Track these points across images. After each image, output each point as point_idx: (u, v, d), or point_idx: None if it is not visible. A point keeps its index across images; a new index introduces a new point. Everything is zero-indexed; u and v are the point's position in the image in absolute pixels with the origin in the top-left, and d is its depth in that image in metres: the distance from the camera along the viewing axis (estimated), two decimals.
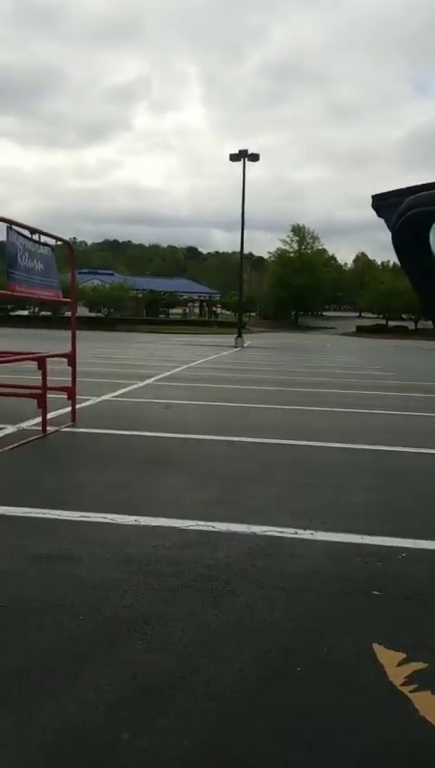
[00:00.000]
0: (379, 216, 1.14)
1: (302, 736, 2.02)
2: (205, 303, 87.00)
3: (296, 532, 4.00)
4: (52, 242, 7.07)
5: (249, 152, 35.45)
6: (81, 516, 4.18)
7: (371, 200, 1.15)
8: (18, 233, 6.25)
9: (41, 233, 6.78)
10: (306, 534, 3.98)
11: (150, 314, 70.86)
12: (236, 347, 32.80)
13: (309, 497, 4.88)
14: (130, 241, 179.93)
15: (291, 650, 2.52)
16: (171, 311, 78.38)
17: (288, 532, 4.00)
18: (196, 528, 4.02)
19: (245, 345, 34.22)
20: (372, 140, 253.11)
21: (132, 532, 3.95)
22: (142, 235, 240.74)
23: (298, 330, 72.62)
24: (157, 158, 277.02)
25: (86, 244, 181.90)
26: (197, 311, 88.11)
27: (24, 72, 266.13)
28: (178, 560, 3.48)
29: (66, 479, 5.25)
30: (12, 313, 58.77)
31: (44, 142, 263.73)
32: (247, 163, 35.53)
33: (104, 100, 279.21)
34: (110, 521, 4.12)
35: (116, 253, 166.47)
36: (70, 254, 7.74)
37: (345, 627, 2.75)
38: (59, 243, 7.29)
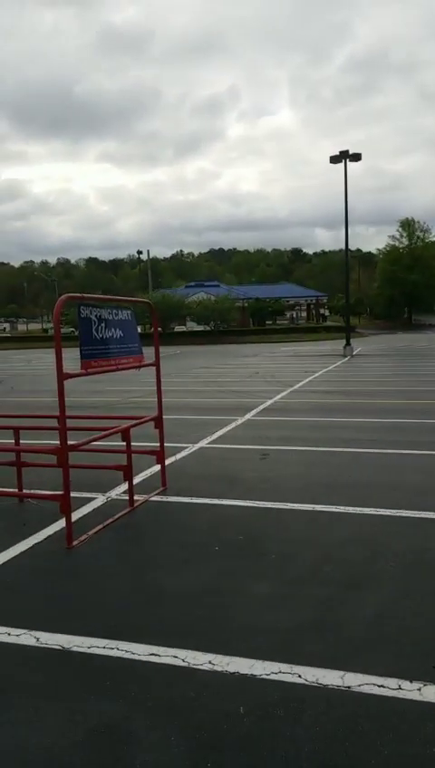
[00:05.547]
0: None
1: None
2: (312, 307, 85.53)
3: (400, 686, 3.28)
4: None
5: (350, 152, 34.13)
6: (149, 654, 3.68)
7: None
8: (91, 305, 5.95)
9: (117, 300, 6.46)
10: (413, 692, 3.24)
11: (257, 323, 70.61)
12: (344, 356, 31.63)
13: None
14: (235, 248, 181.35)
15: None
16: (278, 317, 77.77)
17: (391, 686, 3.28)
18: (276, 679, 3.39)
19: (354, 353, 32.97)
20: None
21: (204, 684, 3.37)
22: (246, 241, 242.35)
23: (412, 329, 69.31)
24: (252, 165, 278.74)
25: (193, 255, 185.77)
26: (304, 314, 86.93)
27: (119, 96, 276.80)
28: (254, 737, 2.87)
29: (140, 586, 4.72)
30: None
31: (144, 161, 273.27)
32: (348, 163, 34.22)
33: (197, 114, 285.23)
34: (181, 661, 3.59)
35: (222, 261, 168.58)
36: (151, 313, 7.42)
37: None
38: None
